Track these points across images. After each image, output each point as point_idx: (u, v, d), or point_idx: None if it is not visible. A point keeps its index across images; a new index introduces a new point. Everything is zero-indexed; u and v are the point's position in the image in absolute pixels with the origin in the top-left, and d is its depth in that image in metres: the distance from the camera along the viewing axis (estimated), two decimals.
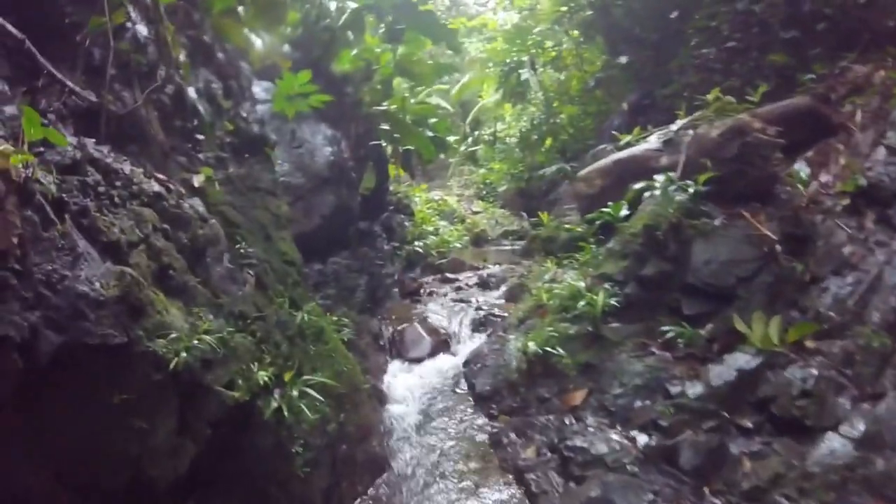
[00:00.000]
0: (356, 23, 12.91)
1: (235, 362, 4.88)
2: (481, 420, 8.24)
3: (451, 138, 15.67)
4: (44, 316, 3.56)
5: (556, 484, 6.64)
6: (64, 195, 4.03)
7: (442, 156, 23.89)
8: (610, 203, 9.57)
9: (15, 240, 3.48)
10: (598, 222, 9.83)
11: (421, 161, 14.84)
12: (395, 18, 12.58)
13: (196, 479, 4.71)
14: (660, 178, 9.22)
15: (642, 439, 6.82)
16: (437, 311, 11.66)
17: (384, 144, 14.53)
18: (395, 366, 10.07)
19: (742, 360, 7.07)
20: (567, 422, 7.38)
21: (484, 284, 13.04)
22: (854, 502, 5.26)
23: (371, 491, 6.90)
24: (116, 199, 4.57)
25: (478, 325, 10.99)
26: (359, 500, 6.71)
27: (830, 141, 8.88)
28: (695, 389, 7.05)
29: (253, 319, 5.56)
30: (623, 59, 15.69)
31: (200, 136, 6.89)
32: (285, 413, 5.17)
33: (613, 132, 12.98)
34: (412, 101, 14.15)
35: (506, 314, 10.97)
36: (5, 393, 3.54)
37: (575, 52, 18.18)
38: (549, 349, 8.04)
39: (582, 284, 8.54)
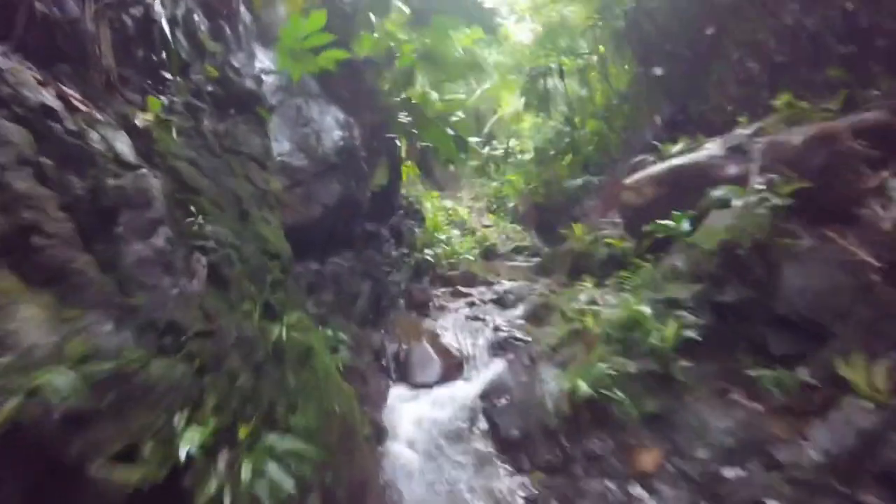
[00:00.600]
0: (380, 3, 10.71)
1: (142, 412, 2.57)
2: (509, 478, 5.94)
3: (473, 139, 13.40)
4: None
5: None
6: None
7: (452, 167, 21.76)
8: (671, 214, 7.34)
9: None
10: (652, 237, 7.58)
11: (438, 161, 12.55)
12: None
13: None
14: (730, 188, 7.03)
15: None
16: (449, 329, 9.37)
17: (399, 142, 12.30)
18: (399, 392, 7.78)
19: (859, 417, 4.94)
20: (634, 493, 5.09)
21: (500, 301, 10.74)
22: None
23: None
24: None
25: (496, 348, 8.70)
26: None
27: None
28: (808, 456, 4.84)
29: (193, 335, 3.29)
30: (658, 71, 13.52)
31: (168, 75, 4.66)
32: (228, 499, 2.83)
33: (654, 142, 10.77)
34: (434, 95, 11.92)
35: (529, 338, 8.69)
36: None
37: (601, 66, 16.00)
38: (604, 391, 5.74)
39: (646, 310, 6.24)
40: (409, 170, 13.83)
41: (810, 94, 8.98)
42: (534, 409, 6.55)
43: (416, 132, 11.17)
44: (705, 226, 7.01)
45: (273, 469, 3.21)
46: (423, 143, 11.45)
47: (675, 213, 7.15)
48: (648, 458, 5.31)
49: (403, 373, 8.13)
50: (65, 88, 3.14)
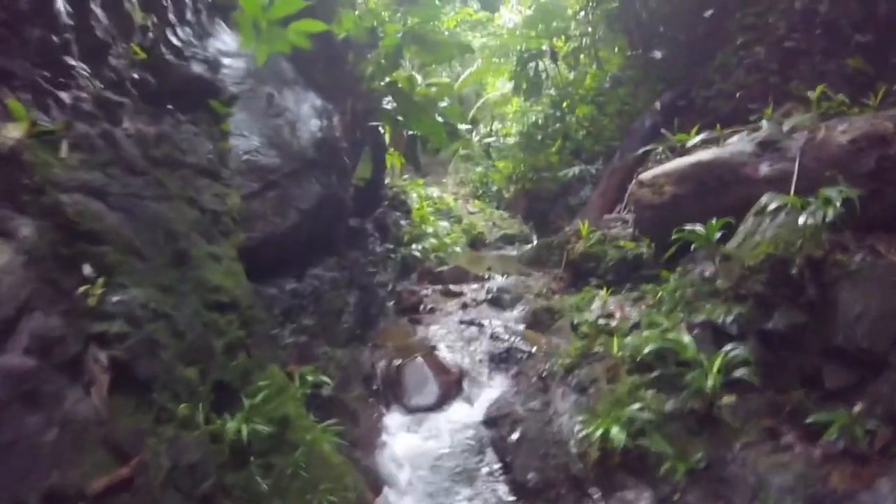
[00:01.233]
0: None
1: None
2: None
3: (464, 127, 12.20)
4: None
5: None
6: None
7: (442, 153, 20.64)
8: (696, 217, 6.28)
9: None
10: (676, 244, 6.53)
11: (427, 150, 11.35)
12: None
13: None
14: (769, 193, 6.01)
15: None
16: (443, 337, 8.25)
17: (383, 130, 11.08)
18: (393, 420, 6.65)
19: None
20: None
21: (496, 302, 9.63)
22: None
23: None
24: None
25: (497, 362, 7.62)
26: None
27: None
28: None
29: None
30: (658, 54, 12.43)
31: (73, 62, 3.48)
32: None
33: (662, 130, 9.67)
34: (421, 79, 10.71)
35: (532, 349, 7.61)
36: None
37: (592, 49, 14.85)
38: (643, 441, 4.70)
39: (685, 338, 5.19)
40: (393, 159, 12.64)
41: (825, 85, 7.96)
42: (552, 449, 5.47)
43: (402, 119, 9.97)
44: (743, 235, 5.96)
45: None
46: (411, 132, 10.26)
47: (709, 221, 6.06)
48: None
49: (397, 395, 7.00)
50: None
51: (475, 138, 18.62)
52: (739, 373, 4.76)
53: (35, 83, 3.17)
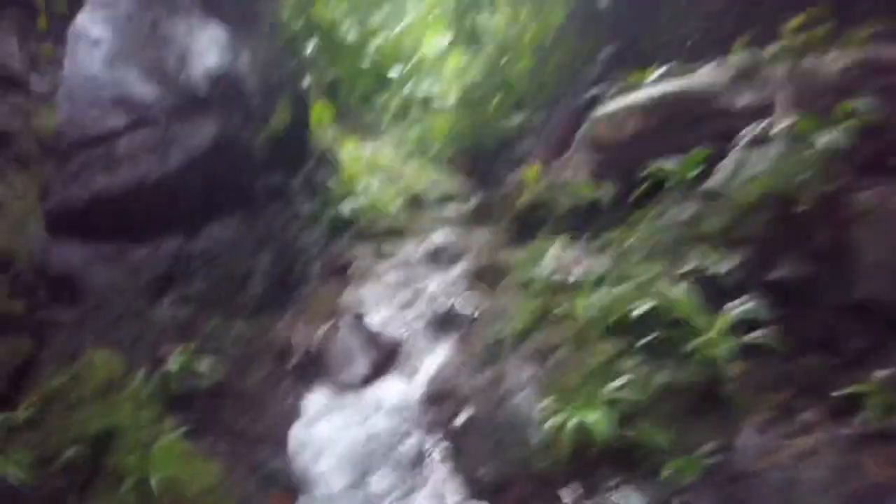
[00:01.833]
0: None
1: None
2: None
3: (393, 74, 10.62)
4: None
5: None
6: None
7: (370, 115, 18.88)
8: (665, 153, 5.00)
9: None
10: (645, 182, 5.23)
11: (353, 99, 9.78)
12: None
13: None
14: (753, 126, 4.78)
15: None
16: (375, 302, 6.81)
17: (306, 78, 9.42)
18: (316, 400, 5.23)
19: None
20: None
21: (434, 261, 8.22)
22: None
23: None
24: None
25: (437, 327, 6.24)
26: None
27: None
28: None
29: None
30: (603, 2, 11.05)
31: None
32: None
33: (608, 77, 8.34)
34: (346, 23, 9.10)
35: (478, 311, 6.25)
36: None
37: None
38: (631, 430, 3.40)
39: (677, 292, 3.89)
40: (320, 112, 10.97)
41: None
42: (509, 436, 4.14)
43: (324, 64, 8.38)
44: (729, 170, 4.68)
45: None
46: (334, 78, 8.66)
47: (684, 155, 4.76)
48: None
49: (319, 371, 5.57)
50: None
51: (411, 94, 16.97)
52: (754, 336, 3.48)
53: None
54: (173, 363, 4.01)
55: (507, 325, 5.21)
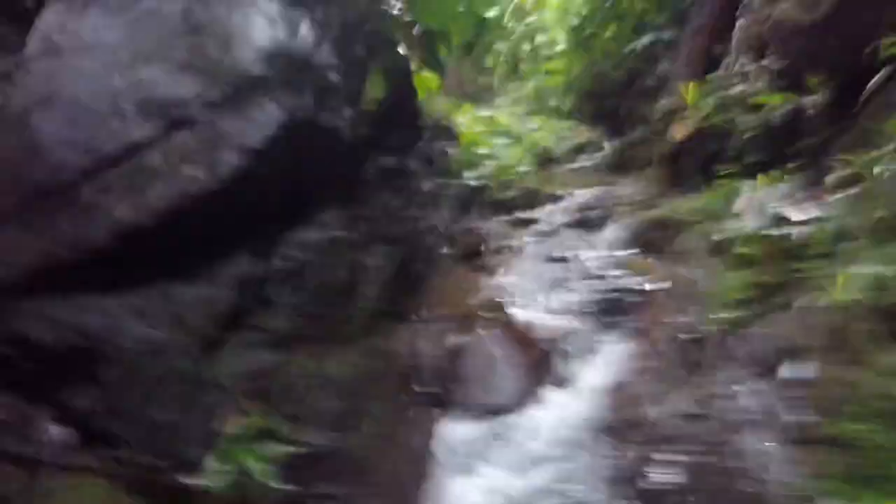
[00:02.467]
0: None
1: None
2: None
3: (491, 13, 8.69)
4: None
5: None
6: None
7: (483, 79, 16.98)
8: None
9: None
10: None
11: (451, 53, 7.98)
12: None
13: None
14: None
15: None
16: (517, 287, 5.13)
17: (403, 46, 7.79)
18: (449, 433, 3.65)
19: None
20: None
21: (582, 223, 6.42)
22: None
23: None
24: None
25: (601, 313, 4.45)
26: None
27: None
28: None
29: None
30: None
31: None
32: None
33: None
34: None
35: (651, 286, 4.40)
36: None
37: None
38: None
39: None
40: (427, 80, 9.35)
41: None
42: None
43: (410, 19, 6.71)
44: None
45: None
46: (425, 31, 6.92)
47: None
48: None
49: (454, 390, 4.01)
50: None
51: (517, 46, 14.85)
52: None
53: None
54: (241, 446, 2.67)
55: (707, 310, 3.36)
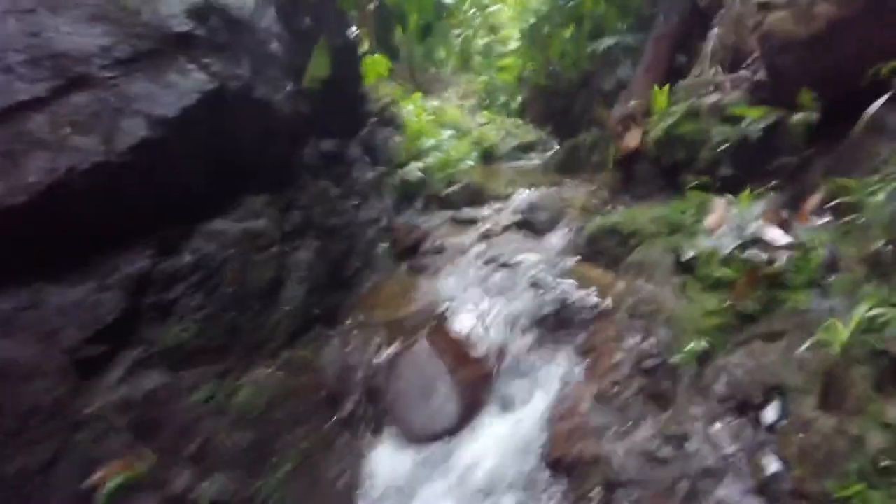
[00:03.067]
0: None
1: None
2: None
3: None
4: None
5: None
6: None
7: (434, 70, 16.36)
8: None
9: None
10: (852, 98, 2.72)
11: (409, 35, 7.38)
12: None
13: None
14: None
15: None
16: (458, 292, 4.57)
17: (351, 22, 7.08)
18: (380, 466, 3.09)
19: None
20: None
21: (528, 226, 5.94)
22: None
23: None
24: None
25: (549, 327, 3.95)
26: None
27: None
28: None
29: None
30: None
31: None
32: None
33: None
34: None
35: (604, 300, 3.93)
36: None
37: None
38: None
39: None
40: (376, 64, 8.66)
41: None
42: None
43: None
44: None
45: None
46: (380, 5, 6.24)
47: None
48: None
49: (387, 412, 3.44)
50: None
51: (472, 39, 14.29)
52: None
53: None
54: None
55: (676, 334, 2.90)
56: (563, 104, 9.76)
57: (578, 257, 4.83)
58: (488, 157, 10.66)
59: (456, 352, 3.69)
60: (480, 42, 14.50)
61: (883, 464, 2.01)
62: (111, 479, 2.28)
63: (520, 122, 11.92)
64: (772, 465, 2.29)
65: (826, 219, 3.02)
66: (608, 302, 3.87)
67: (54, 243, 2.61)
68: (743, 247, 2.97)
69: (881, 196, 2.51)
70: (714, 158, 4.12)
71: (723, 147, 4.04)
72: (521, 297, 4.30)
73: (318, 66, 5.59)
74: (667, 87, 4.97)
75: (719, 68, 4.73)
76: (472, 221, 6.49)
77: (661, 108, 4.87)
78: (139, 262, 2.90)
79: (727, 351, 2.75)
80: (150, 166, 3.00)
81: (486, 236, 5.92)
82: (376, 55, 8.42)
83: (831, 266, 2.69)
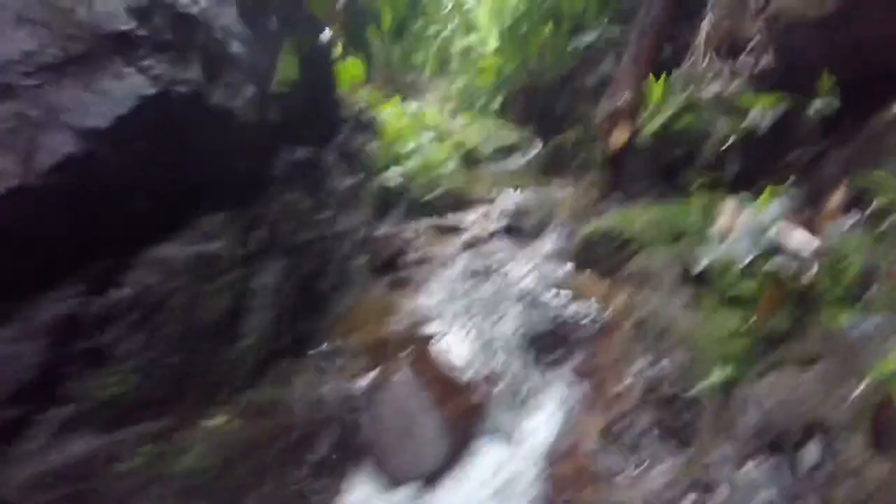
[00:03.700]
0: None
1: None
2: None
3: None
4: None
5: None
6: None
7: (412, 74, 15.85)
8: None
9: None
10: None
11: (380, 34, 6.88)
12: None
13: None
14: None
15: None
16: (442, 309, 4.11)
17: (326, 28, 6.60)
18: None
19: None
20: None
21: (515, 231, 5.51)
22: None
23: None
24: None
25: (543, 347, 3.51)
26: None
27: None
28: None
29: None
30: None
31: None
32: None
33: None
34: None
35: (604, 312, 3.51)
36: None
37: None
38: None
39: None
40: (351, 69, 8.18)
41: None
42: None
43: None
44: None
45: None
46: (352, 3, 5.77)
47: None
48: None
49: (365, 453, 2.97)
50: None
51: (449, 39, 13.79)
52: None
53: None
54: None
55: (693, 359, 2.46)
56: (544, 103, 9.34)
57: (571, 265, 4.40)
58: (470, 159, 10.21)
59: (441, 380, 3.23)
60: (459, 44, 14.04)
61: None
62: None
63: (501, 123, 11.48)
64: None
65: (853, 220, 2.62)
66: (608, 316, 3.44)
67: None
68: (765, 255, 2.55)
69: None
70: (719, 154, 3.70)
71: (729, 141, 3.61)
72: (512, 312, 3.86)
73: (287, 69, 5.10)
74: (662, 77, 4.53)
75: (713, 56, 4.32)
76: (456, 228, 6.05)
77: (656, 101, 4.45)
78: (66, 303, 2.41)
79: (753, 378, 2.32)
80: (77, 187, 2.51)
81: (471, 244, 5.49)
82: (351, 59, 7.95)
83: (869, 277, 2.28)
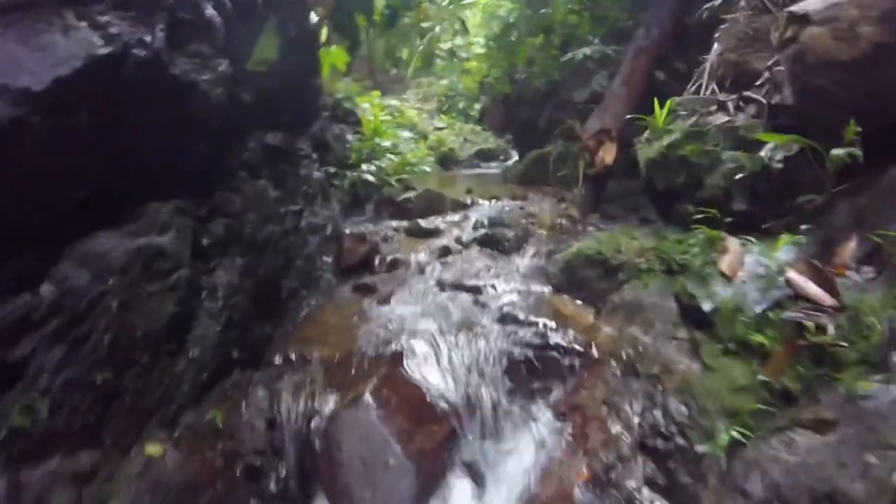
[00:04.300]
0: None
1: None
2: None
3: None
4: None
5: None
6: None
7: (394, 70, 15.46)
8: None
9: None
10: None
11: (371, 18, 6.52)
12: None
13: None
14: None
15: None
16: (414, 324, 3.75)
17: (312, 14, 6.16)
18: None
19: None
20: None
21: (492, 243, 5.17)
22: None
23: None
24: None
25: (522, 378, 3.18)
26: None
27: None
28: None
29: None
30: None
31: None
32: None
33: None
34: None
35: (590, 346, 3.20)
36: None
37: None
38: None
39: None
40: (334, 56, 7.74)
41: None
42: None
43: None
44: None
45: None
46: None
47: None
48: None
49: (324, 491, 2.61)
50: None
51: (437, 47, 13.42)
52: None
53: None
54: None
55: (697, 409, 2.18)
56: (527, 113, 9.07)
57: (551, 287, 4.10)
58: (446, 162, 9.92)
59: (409, 409, 2.88)
60: (445, 45, 13.69)
61: None
62: None
63: (478, 128, 11.20)
64: None
65: (868, 275, 2.38)
66: (594, 349, 3.14)
67: None
68: (775, 303, 2.29)
69: None
70: (724, 188, 3.45)
71: (737, 176, 3.35)
72: (488, 334, 3.52)
73: (267, 48, 4.67)
74: (668, 102, 4.26)
75: (716, 87, 4.08)
76: (430, 233, 5.70)
77: (659, 125, 4.17)
78: None
79: (762, 440, 2.05)
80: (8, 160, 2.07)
81: (445, 252, 5.14)
82: (334, 47, 7.53)
83: (893, 342, 2.03)
